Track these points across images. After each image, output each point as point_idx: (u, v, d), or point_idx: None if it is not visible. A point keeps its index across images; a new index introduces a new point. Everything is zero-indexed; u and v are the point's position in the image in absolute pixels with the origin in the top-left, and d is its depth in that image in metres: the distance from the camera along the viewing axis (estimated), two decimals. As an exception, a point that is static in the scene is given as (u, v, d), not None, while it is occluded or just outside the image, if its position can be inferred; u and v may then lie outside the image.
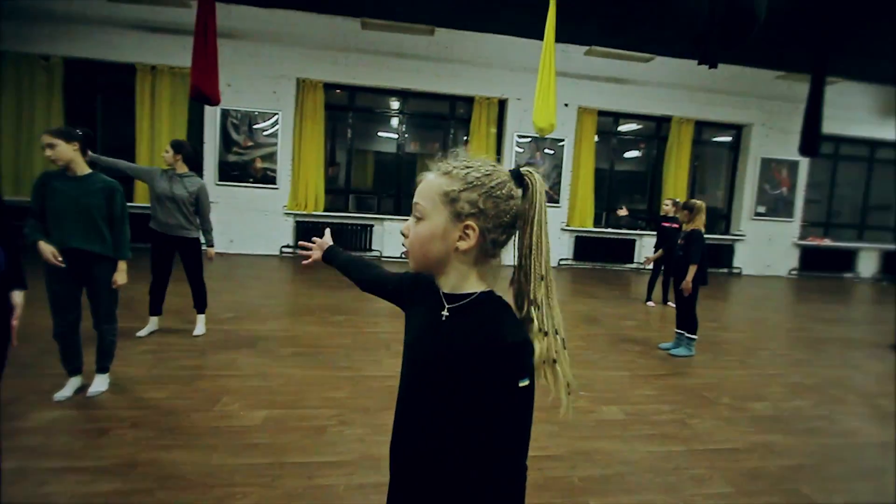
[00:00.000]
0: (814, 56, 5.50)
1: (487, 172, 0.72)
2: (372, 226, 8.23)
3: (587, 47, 7.82)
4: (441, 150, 5.61)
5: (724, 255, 9.26)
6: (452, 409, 0.71)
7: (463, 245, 0.71)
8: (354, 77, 7.89)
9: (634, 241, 9.03)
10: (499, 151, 8.56)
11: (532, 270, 0.72)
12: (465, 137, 8.69)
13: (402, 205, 8.57)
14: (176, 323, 3.69)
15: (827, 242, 9.76)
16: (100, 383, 2.46)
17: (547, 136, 8.13)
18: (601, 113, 8.69)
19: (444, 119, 8.63)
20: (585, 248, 8.88)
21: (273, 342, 3.47)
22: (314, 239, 1.19)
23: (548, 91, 4.96)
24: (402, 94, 8.32)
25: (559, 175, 8.64)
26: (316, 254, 1.16)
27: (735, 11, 2.12)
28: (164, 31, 7.07)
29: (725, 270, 9.26)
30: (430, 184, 0.73)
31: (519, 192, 0.74)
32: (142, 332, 3.41)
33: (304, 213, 7.90)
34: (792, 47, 6.81)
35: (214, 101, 4.64)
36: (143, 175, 3.42)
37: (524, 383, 0.66)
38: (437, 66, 8.03)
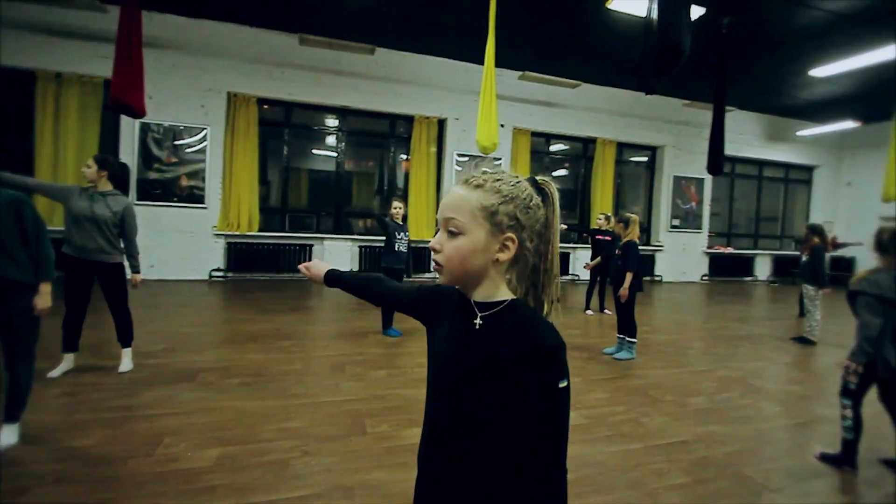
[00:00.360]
0: (716, 89, 6.26)
1: (516, 183, 0.74)
2: (311, 245, 7.93)
3: (521, 72, 8.27)
4: (377, 168, 5.65)
5: (647, 264, 10.07)
6: (492, 416, 0.70)
7: (503, 256, 0.72)
8: (290, 93, 7.66)
9: (569, 253, 9.53)
10: (439, 169, 8.70)
11: (552, 273, 0.75)
12: (403, 156, 8.74)
13: (341, 223, 8.37)
14: (95, 360, 3.27)
15: (730, 250, 10.99)
16: (8, 435, 2.10)
17: (487, 155, 8.46)
18: (534, 134, 9.19)
19: (383, 137, 8.63)
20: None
21: (214, 373, 3.19)
22: (305, 264, 1.14)
23: (489, 112, 5.16)
24: (341, 112, 8.21)
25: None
26: (317, 277, 1.11)
27: (666, 47, 2.40)
28: (73, 35, 6.43)
29: (648, 278, 10.06)
30: (465, 198, 0.73)
31: (539, 199, 0.76)
32: (54, 373, 2.98)
33: (237, 233, 7.44)
34: (698, 80, 7.72)
35: (139, 113, 4.28)
36: (57, 193, 3.04)
37: (563, 384, 0.68)
38: (376, 85, 8.04)
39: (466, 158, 8.63)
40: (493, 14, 5.06)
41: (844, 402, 2.34)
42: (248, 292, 6.51)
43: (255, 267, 7.60)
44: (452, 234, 0.73)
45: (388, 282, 1.03)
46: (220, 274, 7.44)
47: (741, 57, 6.88)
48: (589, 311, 6.24)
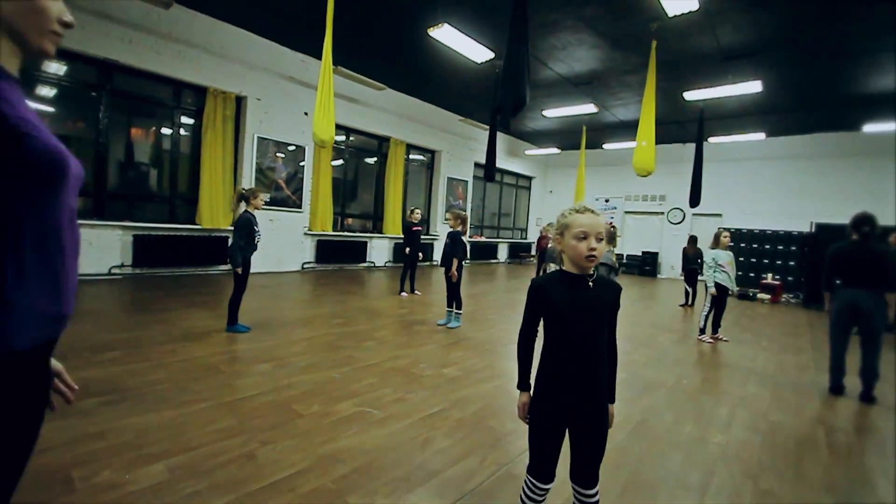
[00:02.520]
0: (490, 115, 8.07)
1: None
2: (61, 234, 6.08)
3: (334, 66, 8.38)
4: (152, 137, 5.29)
5: (428, 250, 11.79)
6: (605, 329, 1.39)
7: None
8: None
9: (366, 242, 10.26)
10: (236, 150, 7.97)
11: None
12: (190, 124, 7.62)
13: (104, 207, 6.70)
14: None
15: (483, 239, 13.94)
16: None
17: (287, 143, 8.35)
18: (338, 126, 9.43)
19: (163, 106, 7.28)
20: (327, 251, 9.44)
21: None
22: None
23: (328, 108, 5.32)
24: (104, 66, 6.51)
25: (301, 181, 8.85)
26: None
27: (515, 96, 3.36)
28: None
29: (428, 262, 11.82)
30: (600, 220, 1.37)
31: None
32: None
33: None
34: (477, 106, 9.60)
35: None
36: None
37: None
38: (157, 43, 6.74)
39: (269, 141, 8.20)
40: (331, 10, 5.23)
41: None
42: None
43: None
44: (600, 240, 1.36)
45: (531, 329, 1.51)
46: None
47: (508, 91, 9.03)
48: (403, 294, 7.14)
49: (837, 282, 3.67)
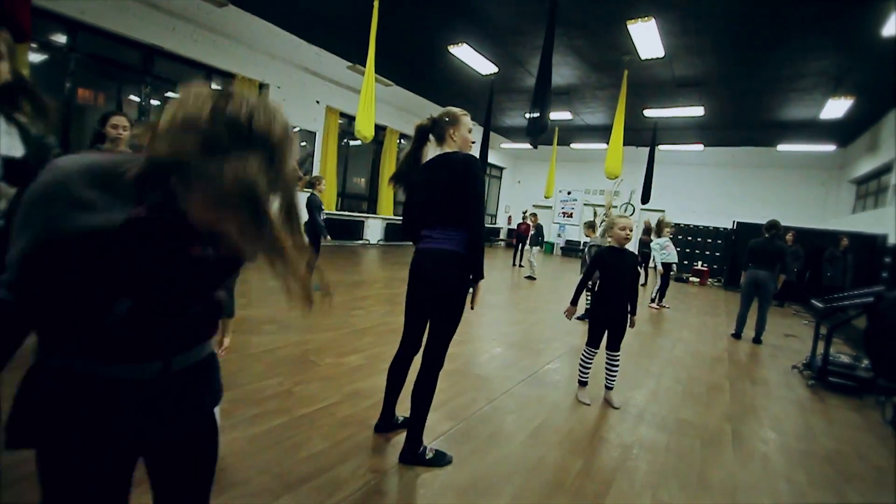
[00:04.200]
0: (485, 119, 9.35)
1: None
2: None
3: (350, 63, 9.30)
4: None
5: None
6: (629, 276, 2.81)
7: None
8: (83, 11, 6.19)
9: (363, 221, 11.30)
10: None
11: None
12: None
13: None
14: None
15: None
16: None
17: (302, 129, 9.25)
18: (342, 114, 10.32)
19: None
20: (329, 228, 10.37)
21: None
22: None
23: (370, 108, 6.37)
24: (146, 50, 7.10)
25: (311, 164, 9.73)
26: None
27: (540, 124, 4.68)
28: None
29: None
30: (630, 221, 2.76)
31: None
32: None
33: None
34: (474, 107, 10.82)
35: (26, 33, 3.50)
36: None
37: None
38: (195, 31, 7.40)
39: (297, 129, 9.02)
40: (375, 27, 6.25)
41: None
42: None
43: None
44: (630, 230, 2.75)
45: (590, 276, 2.89)
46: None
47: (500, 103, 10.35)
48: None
49: (750, 264, 5.38)
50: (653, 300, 7.11)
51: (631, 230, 2.77)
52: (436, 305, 1.92)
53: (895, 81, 6.87)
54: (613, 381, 2.92)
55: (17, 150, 1.24)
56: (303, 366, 2.94)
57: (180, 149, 0.59)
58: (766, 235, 5.33)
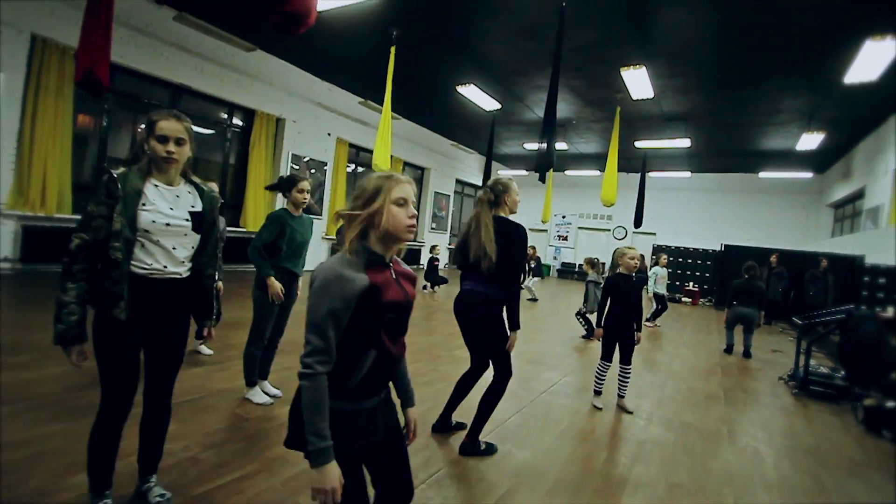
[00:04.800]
0: (487, 149, 9.97)
1: None
2: (140, 232, 7.15)
3: (361, 99, 9.93)
4: (221, 155, 7.00)
5: (413, 255, 13.43)
6: (638, 297, 3.29)
7: None
8: (121, 55, 6.71)
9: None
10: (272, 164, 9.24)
11: None
12: (233, 152, 8.82)
13: (170, 209, 7.77)
14: None
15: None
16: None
17: (315, 160, 9.78)
18: (350, 145, 10.90)
19: (219, 124, 8.46)
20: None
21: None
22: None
23: (386, 142, 6.91)
24: (175, 89, 7.63)
25: (323, 192, 10.23)
26: None
27: (548, 161, 5.26)
28: None
29: (415, 265, 13.46)
30: (637, 252, 3.26)
31: None
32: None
33: (38, 214, 6.07)
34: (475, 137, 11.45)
35: (105, 89, 3.98)
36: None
37: None
38: (220, 71, 7.96)
39: (307, 159, 9.56)
40: (391, 71, 6.84)
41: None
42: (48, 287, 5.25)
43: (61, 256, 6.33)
44: (638, 261, 3.24)
45: (606, 298, 3.36)
46: (9, 265, 5.90)
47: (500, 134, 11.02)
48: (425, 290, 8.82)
49: (734, 302, 5.96)
50: (648, 319, 7.60)
51: (639, 259, 3.29)
52: (487, 339, 2.39)
53: (859, 119, 7.62)
54: (625, 389, 3.37)
55: (197, 205, 1.69)
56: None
57: (370, 204, 1.12)
58: (746, 276, 5.94)
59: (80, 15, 6.05)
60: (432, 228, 14.20)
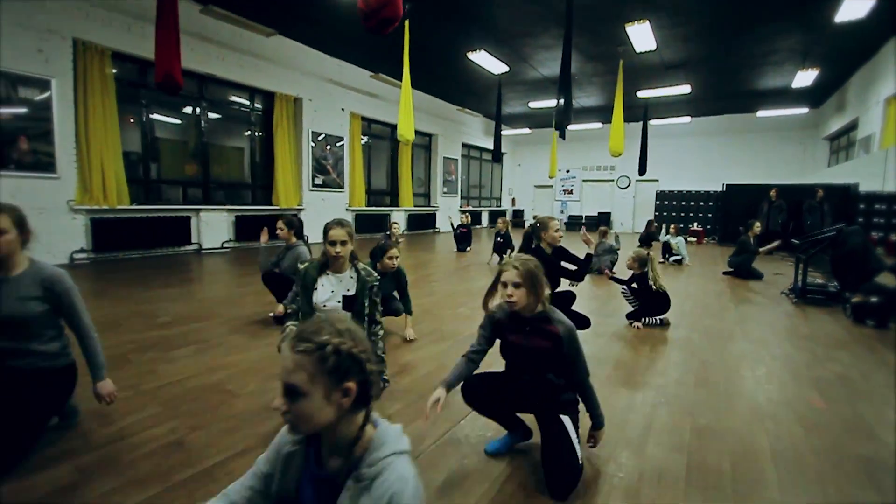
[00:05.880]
0: (496, 111, 10.37)
1: None
2: (188, 218, 7.76)
3: (372, 73, 10.25)
4: (248, 141, 7.59)
5: (427, 220, 14.01)
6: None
7: None
8: (148, 50, 7.07)
9: (388, 215, 12.33)
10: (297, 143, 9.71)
11: None
12: (259, 133, 9.26)
13: (209, 194, 8.34)
14: None
15: (469, 207, 16.37)
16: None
17: (332, 135, 10.21)
18: (363, 118, 11.29)
19: (242, 109, 8.88)
20: (361, 223, 11.43)
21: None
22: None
23: (409, 114, 7.37)
24: (200, 78, 8.02)
25: (342, 166, 10.72)
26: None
27: (566, 120, 5.77)
28: None
29: (431, 230, 14.09)
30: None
31: None
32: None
33: (103, 207, 6.65)
34: (484, 100, 11.77)
35: (180, 86, 4.50)
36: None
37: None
38: (240, 57, 8.31)
39: (322, 136, 10.00)
40: (407, 44, 7.22)
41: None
42: (120, 272, 5.98)
43: (127, 245, 6.99)
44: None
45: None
46: (85, 256, 6.55)
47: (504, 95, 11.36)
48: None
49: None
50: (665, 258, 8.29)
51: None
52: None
53: (851, 53, 8.02)
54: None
55: (352, 289, 2.28)
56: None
57: None
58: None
59: (111, 14, 6.56)
60: (444, 193, 14.72)
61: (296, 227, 3.88)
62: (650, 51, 8.36)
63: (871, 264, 4.49)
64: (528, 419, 1.94)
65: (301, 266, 2.32)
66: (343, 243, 2.23)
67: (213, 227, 8.14)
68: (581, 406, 1.82)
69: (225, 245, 8.29)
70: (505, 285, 1.72)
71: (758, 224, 6.91)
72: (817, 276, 5.49)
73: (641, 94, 11.09)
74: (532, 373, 1.80)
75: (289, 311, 2.39)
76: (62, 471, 1.74)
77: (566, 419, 1.72)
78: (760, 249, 6.50)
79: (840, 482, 1.75)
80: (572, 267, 3.36)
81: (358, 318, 2.29)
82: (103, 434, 2.00)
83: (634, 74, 10.05)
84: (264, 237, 3.96)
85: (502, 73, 9.76)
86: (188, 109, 8.12)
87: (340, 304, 2.26)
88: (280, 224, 3.81)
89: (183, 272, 6.22)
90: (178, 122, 8.17)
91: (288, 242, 3.82)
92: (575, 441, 1.68)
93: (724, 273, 6.83)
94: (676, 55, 8.93)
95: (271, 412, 2.23)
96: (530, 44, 8.52)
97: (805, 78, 9.32)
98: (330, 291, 2.25)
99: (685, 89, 10.49)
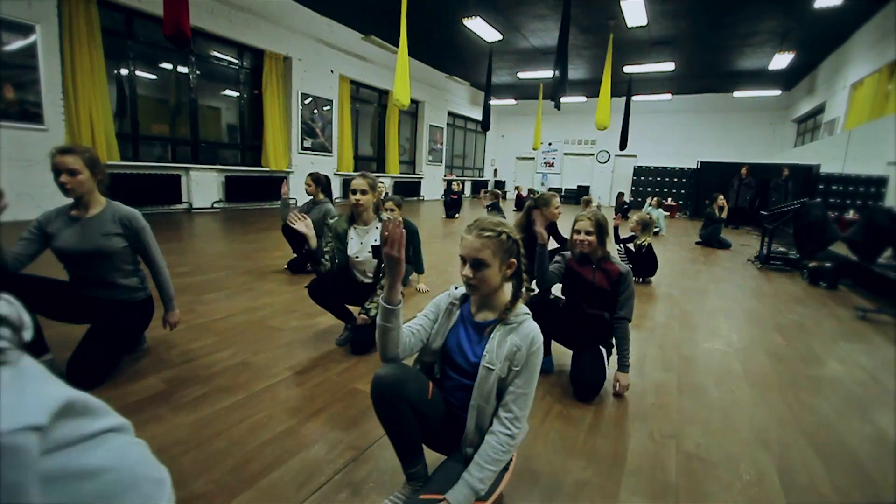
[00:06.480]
0: (486, 82, 10.44)
1: None
2: (178, 176, 7.69)
3: (363, 35, 10.09)
4: (237, 99, 7.62)
5: (413, 187, 14.14)
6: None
7: None
8: (140, 2, 6.84)
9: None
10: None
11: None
12: (248, 94, 9.09)
13: (198, 153, 8.24)
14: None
15: (453, 177, 16.52)
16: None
17: (321, 98, 10.12)
18: (351, 81, 11.15)
19: (231, 66, 8.67)
20: (349, 187, 11.47)
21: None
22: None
23: (405, 79, 7.42)
24: (192, 34, 7.75)
25: (331, 129, 10.66)
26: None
27: (563, 86, 5.93)
28: None
29: (415, 198, 14.24)
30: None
31: None
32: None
33: (93, 161, 6.52)
34: (473, 69, 11.76)
35: (189, 39, 4.48)
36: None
37: None
38: (230, 12, 8.07)
39: (310, 98, 9.88)
40: (405, 8, 7.19)
41: None
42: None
43: (117, 201, 6.90)
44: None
45: None
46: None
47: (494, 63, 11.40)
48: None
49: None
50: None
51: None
52: None
53: (825, 38, 8.49)
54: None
55: (378, 238, 2.46)
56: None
57: None
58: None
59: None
60: (429, 161, 14.80)
61: (322, 184, 4.01)
62: (640, 26, 8.59)
63: (829, 234, 5.04)
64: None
65: (331, 220, 2.50)
66: (363, 192, 2.36)
67: (204, 186, 8.09)
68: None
69: (215, 205, 8.27)
70: (579, 232, 2.05)
71: (721, 196, 7.47)
72: (779, 245, 6.06)
73: (628, 69, 11.36)
74: (594, 306, 2.11)
75: (325, 254, 2.39)
76: (151, 381, 1.99)
77: (602, 349, 2.11)
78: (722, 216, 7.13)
79: (796, 393, 2.19)
80: (555, 245, 3.78)
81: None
82: (174, 356, 2.25)
83: (623, 49, 10.28)
84: (285, 188, 4.13)
85: (495, 41, 9.81)
86: (167, 65, 7.86)
87: (371, 254, 2.45)
88: (308, 180, 3.96)
89: (180, 230, 6.27)
90: (155, 77, 7.91)
91: (315, 198, 3.98)
92: (605, 362, 2.06)
93: (696, 243, 7.40)
94: (665, 31, 9.19)
95: (320, 341, 2.52)
96: (525, 12, 8.59)
97: (781, 60, 9.79)
98: (359, 244, 2.42)
99: (669, 66, 10.83)
